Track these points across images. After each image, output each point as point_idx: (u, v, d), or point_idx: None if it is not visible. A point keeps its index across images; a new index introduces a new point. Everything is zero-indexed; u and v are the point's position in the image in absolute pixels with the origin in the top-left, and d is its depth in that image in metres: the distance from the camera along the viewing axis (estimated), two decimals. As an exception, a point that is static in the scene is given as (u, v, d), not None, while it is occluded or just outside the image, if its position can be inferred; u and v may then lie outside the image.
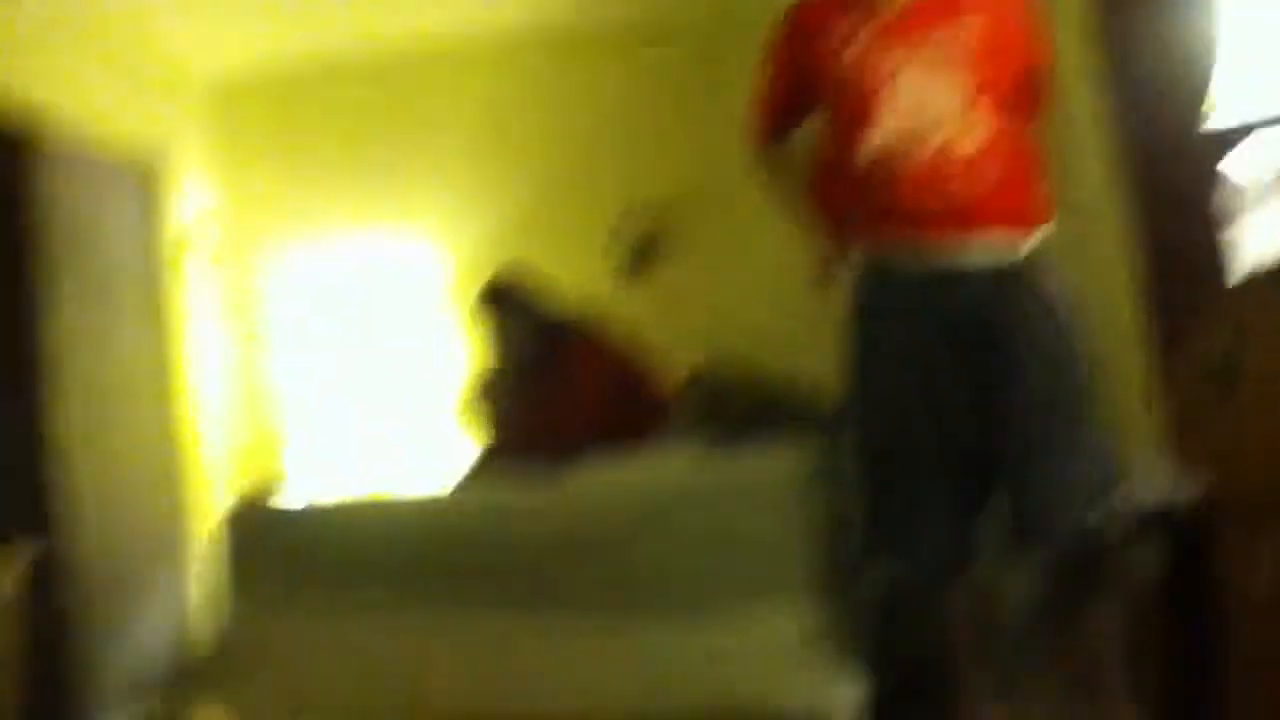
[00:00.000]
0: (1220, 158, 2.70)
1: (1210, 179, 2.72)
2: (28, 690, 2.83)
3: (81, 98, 3.73)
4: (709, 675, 2.29)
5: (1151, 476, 2.30)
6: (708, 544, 2.34)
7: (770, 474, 2.39)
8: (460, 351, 4.04)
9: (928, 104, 2.07)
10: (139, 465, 3.94)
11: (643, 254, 3.98)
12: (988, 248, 2.10)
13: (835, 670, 2.27)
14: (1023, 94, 2.19)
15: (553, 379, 2.97)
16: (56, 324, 3.53)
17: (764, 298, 3.77)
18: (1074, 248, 2.29)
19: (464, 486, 2.93)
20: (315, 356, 4.30)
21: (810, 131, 2.28)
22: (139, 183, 4.05)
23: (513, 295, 3.07)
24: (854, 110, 2.10)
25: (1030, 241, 2.14)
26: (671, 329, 3.60)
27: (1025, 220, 2.15)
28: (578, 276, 3.51)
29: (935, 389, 2.09)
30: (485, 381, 3.24)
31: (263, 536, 2.68)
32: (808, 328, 3.60)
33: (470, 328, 3.49)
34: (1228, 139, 2.70)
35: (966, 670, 2.23)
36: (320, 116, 4.36)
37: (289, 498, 2.82)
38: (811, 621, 2.29)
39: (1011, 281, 2.11)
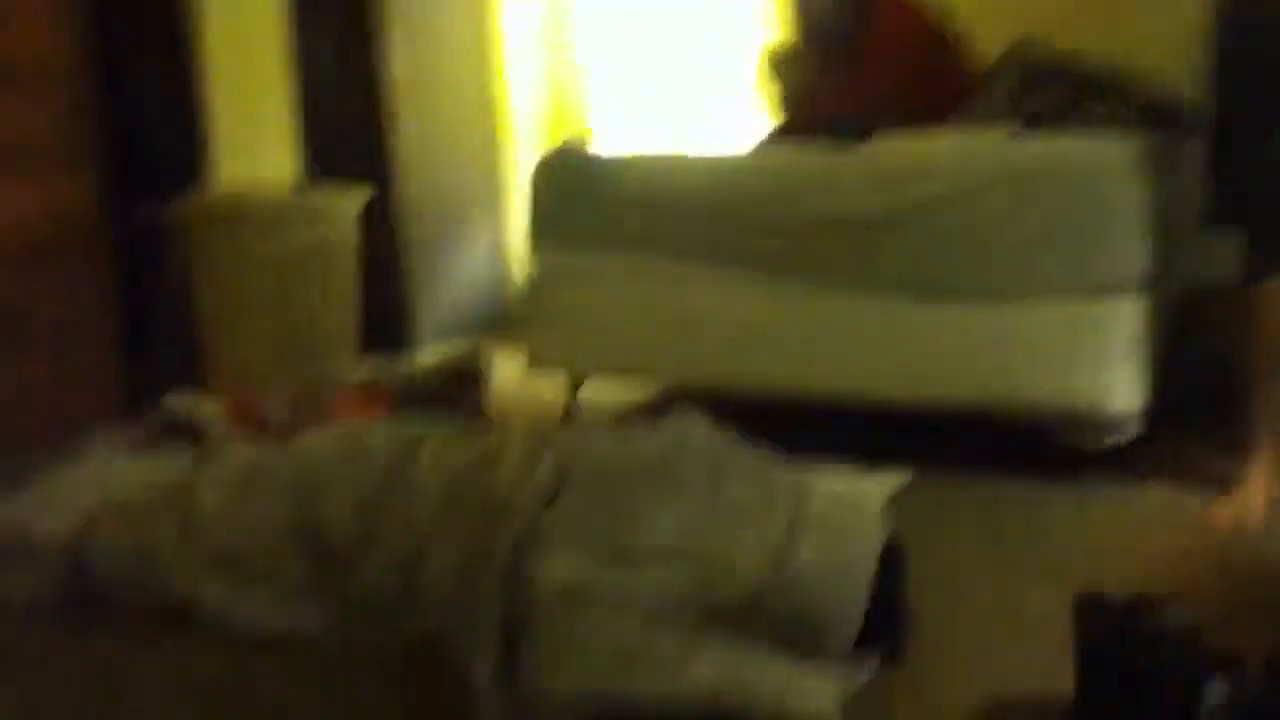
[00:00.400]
0: None
1: None
2: (361, 319, 3.21)
3: None
4: (1000, 364, 2.25)
5: None
6: (1019, 228, 2.21)
7: (1092, 160, 2.19)
8: (764, 13, 3.90)
9: None
10: (460, 117, 4.18)
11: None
12: None
13: (1127, 373, 2.17)
14: None
15: (859, 40, 2.78)
16: None
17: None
18: None
19: (762, 151, 2.87)
20: (621, 19, 4.27)
21: None
22: None
23: None
24: None
25: None
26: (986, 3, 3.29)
27: None
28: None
29: None
30: (782, 52, 3.09)
31: (569, 183, 2.73)
32: (1135, 11, 3.26)
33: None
34: None
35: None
36: None
37: (596, 149, 2.85)
38: (1117, 321, 2.17)
39: None
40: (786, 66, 2.86)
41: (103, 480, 1.93)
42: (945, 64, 2.82)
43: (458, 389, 2.98)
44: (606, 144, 3.29)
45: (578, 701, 1.32)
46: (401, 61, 3.82)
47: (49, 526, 1.76)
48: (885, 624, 1.50)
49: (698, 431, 1.66)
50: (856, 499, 1.60)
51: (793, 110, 2.96)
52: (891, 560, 1.54)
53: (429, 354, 3.55)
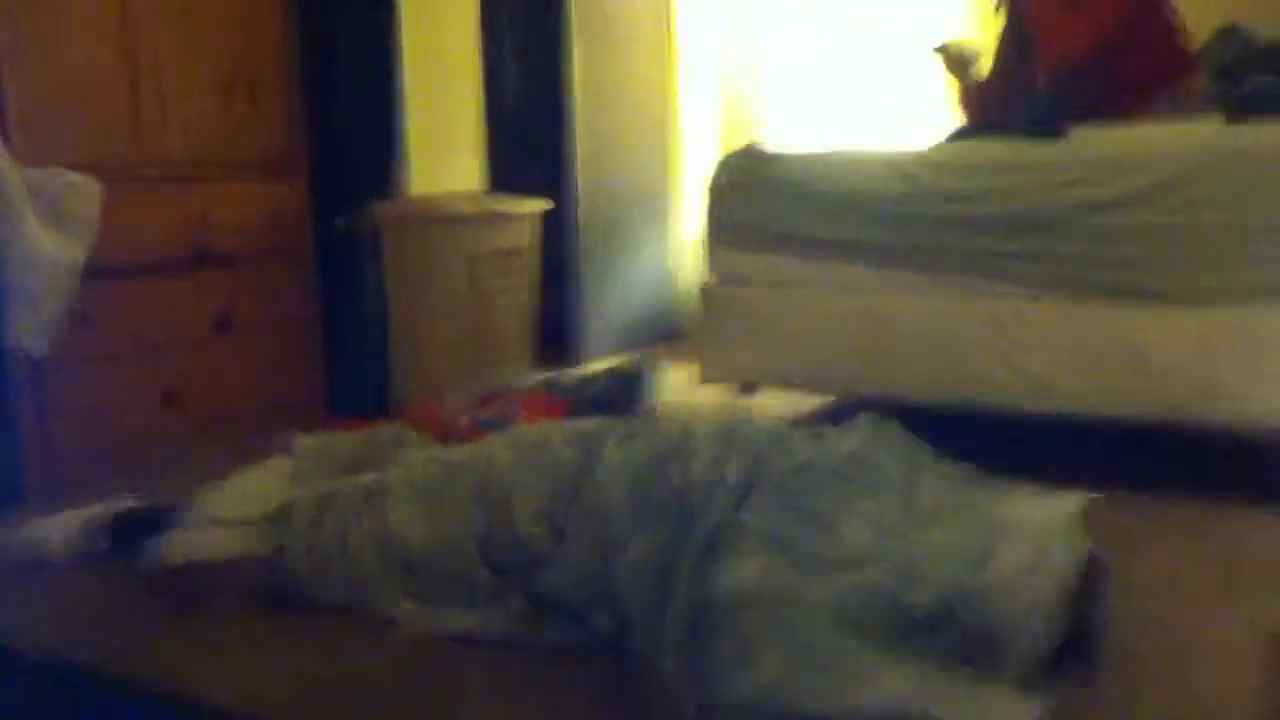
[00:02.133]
0: None
1: None
2: (537, 325, 3.29)
3: None
4: (1211, 374, 2.12)
5: None
6: (1234, 223, 2.07)
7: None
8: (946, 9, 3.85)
9: None
10: (636, 129, 4.25)
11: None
12: None
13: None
14: None
15: (1069, 12, 2.66)
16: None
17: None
18: None
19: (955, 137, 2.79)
20: (801, 13, 4.26)
21: None
22: None
23: None
24: None
25: None
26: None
27: None
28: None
29: None
30: (959, 47, 3.01)
31: (751, 182, 2.70)
32: None
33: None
34: None
35: None
36: None
37: (771, 149, 2.82)
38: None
39: None
40: (959, 64, 2.80)
41: (293, 481, 2.02)
42: (1150, 37, 2.69)
43: (631, 396, 3.02)
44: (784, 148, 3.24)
45: (764, 705, 1.30)
46: (583, 75, 3.91)
47: (241, 530, 1.85)
48: (1081, 644, 1.44)
49: (890, 435, 1.63)
50: (1054, 513, 1.54)
51: (975, 106, 2.88)
52: (1090, 579, 1.48)
53: (599, 364, 3.61)
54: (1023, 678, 1.35)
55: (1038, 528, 1.45)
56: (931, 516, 1.48)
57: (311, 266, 3.01)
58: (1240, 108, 2.31)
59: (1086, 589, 1.44)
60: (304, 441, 2.19)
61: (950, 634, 1.37)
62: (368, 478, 1.92)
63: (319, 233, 3.03)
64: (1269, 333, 2.07)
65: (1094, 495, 2.17)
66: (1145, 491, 2.20)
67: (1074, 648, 1.41)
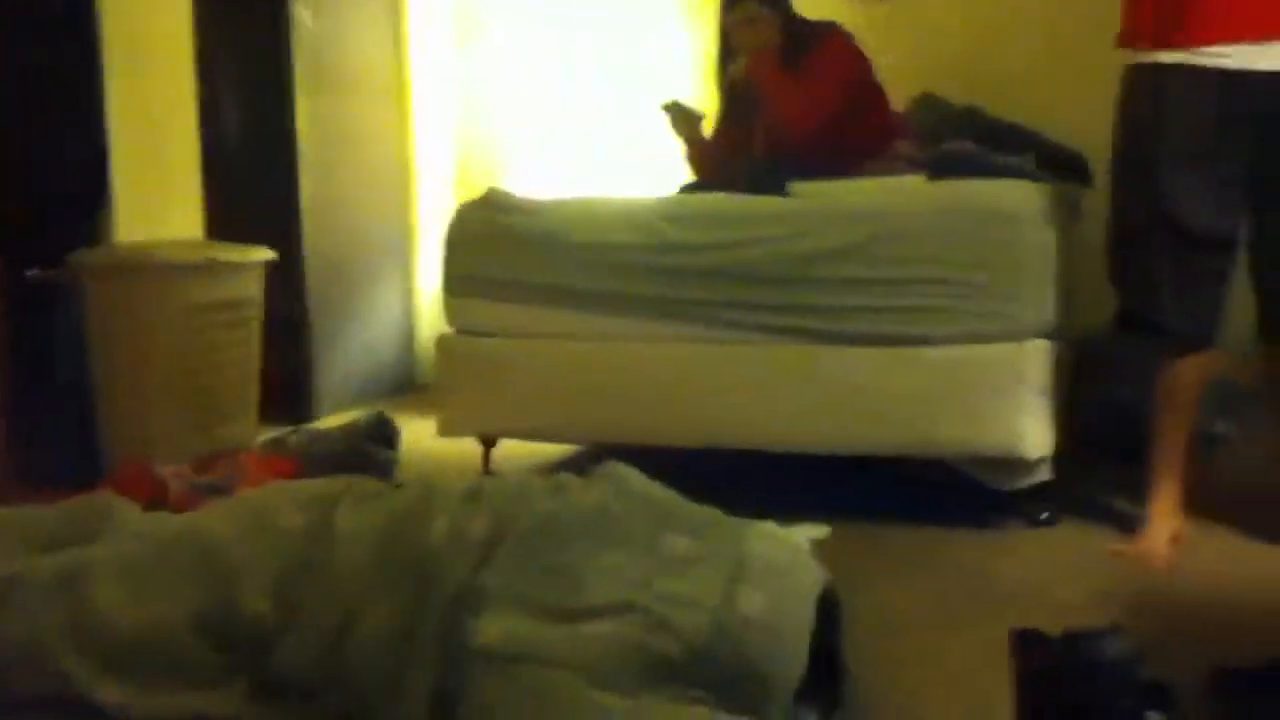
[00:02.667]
0: None
1: None
2: (265, 380, 3.11)
3: None
4: (916, 409, 2.28)
5: None
6: (936, 272, 2.26)
7: (1007, 205, 2.25)
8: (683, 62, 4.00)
9: None
10: (369, 176, 4.14)
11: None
12: None
13: (1037, 417, 2.22)
14: None
15: (804, 62, 2.81)
16: (301, 22, 3.69)
17: (991, 30, 3.56)
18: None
19: (684, 191, 2.88)
20: (536, 64, 4.31)
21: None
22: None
23: None
24: None
25: None
26: (899, 53, 3.44)
27: None
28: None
29: (1210, 172, 2.02)
30: (680, 107, 3.13)
31: (489, 231, 2.69)
32: (1040, 67, 3.44)
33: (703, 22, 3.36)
34: None
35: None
36: None
37: (511, 198, 2.80)
38: (1029, 366, 2.23)
39: None
40: (683, 122, 2.91)
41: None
42: (870, 107, 2.89)
43: (366, 453, 2.91)
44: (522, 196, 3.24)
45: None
46: (310, 121, 3.77)
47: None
48: (825, 676, 1.48)
49: (632, 483, 1.63)
50: (792, 550, 1.59)
51: (702, 162, 2.99)
52: (829, 610, 1.53)
53: (333, 419, 3.46)
54: (776, 713, 1.36)
55: (782, 566, 1.49)
56: (675, 563, 1.49)
57: (3, 318, 2.71)
58: (940, 168, 2.51)
59: (827, 622, 1.48)
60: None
61: (704, 677, 1.37)
62: (65, 557, 1.72)
63: (9, 284, 2.73)
64: (975, 373, 2.24)
65: (825, 527, 2.30)
66: (869, 520, 2.35)
67: (820, 679, 1.45)
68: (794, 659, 1.39)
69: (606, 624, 1.38)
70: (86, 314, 2.76)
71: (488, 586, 1.42)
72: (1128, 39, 2.15)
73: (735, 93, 3.01)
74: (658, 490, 1.64)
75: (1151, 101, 2.07)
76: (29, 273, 2.79)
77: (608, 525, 1.53)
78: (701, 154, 3.12)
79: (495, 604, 1.40)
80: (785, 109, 2.83)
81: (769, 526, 1.63)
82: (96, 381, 2.75)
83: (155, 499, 2.27)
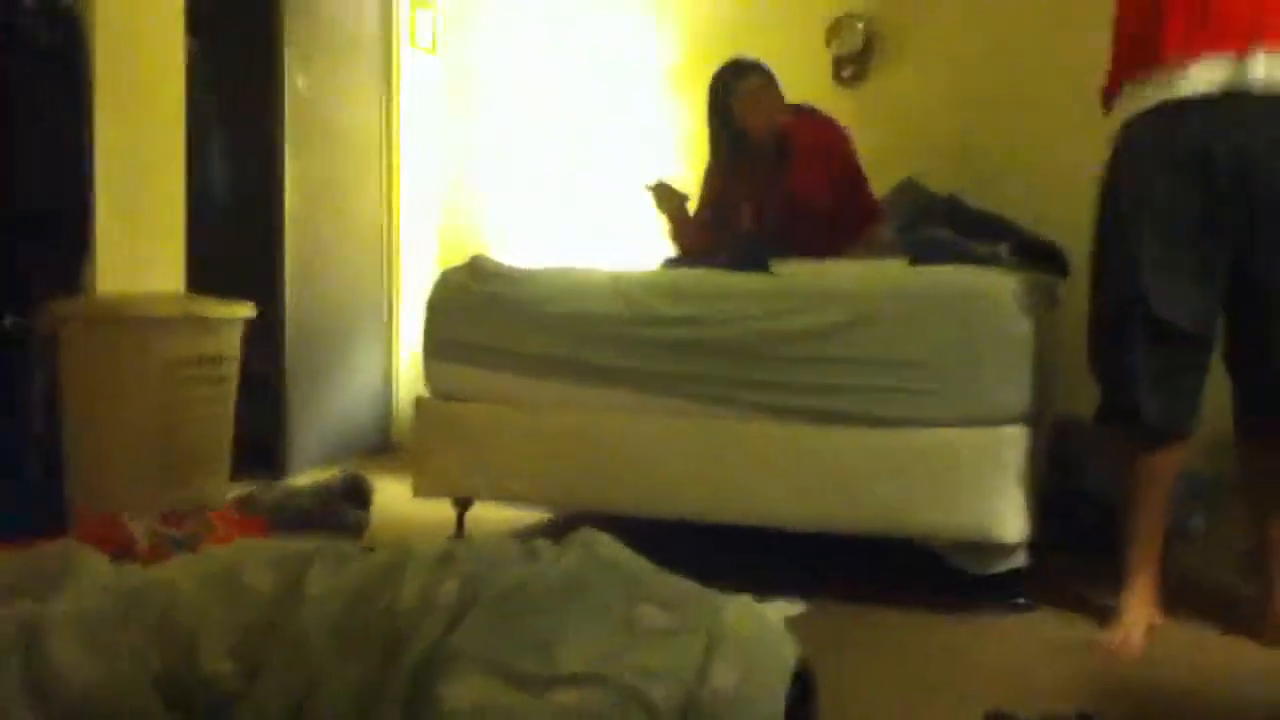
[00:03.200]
0: None
1: None
2: (239, 439, 3.08)
3: None
4: (892, 490, 2.28)
5: None
6: (914, 355, 2.28)
7: (984, 291, 2.28)
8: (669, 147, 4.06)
9: None
10: (351, 237, 4.15)
11: (854, 62, 3.82)
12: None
13: (1013, 501, 2.22)
14: None
15: (784, 158, 2.86)
16: (294, 86, 3.73)
17: (971, 119, 3.64)
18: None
19: (668, 265, 2.91)
20: (524, 135, 4.36)
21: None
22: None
23: (760, 69, 2.99)
24: None
25: None
26: (878, 137, 3.51)
27: None
28: (790, 81, 3.38)
29: (1189, 265, 2.06)
30: (664, 187, 3.17)
31: (472, 296, 2.70)
32: (1019, 155, 3.52)
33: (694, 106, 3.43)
34: None
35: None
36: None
37: (495, 265, 2.81)
38: (1005, 450, 2.23)
39: None
40: (666, 200, 2.94)
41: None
42: (855, 188, 2.94)
43: (338, 512, 2.87)
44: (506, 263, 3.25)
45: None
46: (297, 180, 3.79)
47: None
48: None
49: (606, 550, 1.62)
50: (767, 625, 1.58)
51: (685, 239, 3.02)
52: (802, 686, 1.51)
53: (306, 477, 3.43)
54: None
55: (756, 639, 1.47)
56: (648, 635, 1.47)
57: (-28, 367, 2.67)
58: (922, 253, 2.55)
59: (800, 696, 1.46)
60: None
61: None
62: (24, 609, 1.68)
63: (-14, 330, 2.71)
64: (953, 456, 2.24)
65: (799, 604, 2.29)
66: (846, 599, 2.34)
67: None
68: None
69: (576, 694, 1.35)
70: (62, 363, 2.73)
71: (457, 649, 1.39)
72: (1105, 97, 2.22)
73: (720, 175, 3.05)
74: (632, 558, 1.62)
75: (1131, 178, 2.10)
76: (4, 319, 2.76)
77: (580, 593, 1.51)
78: (684, 231, 3.16)
79: (464, 669, 1.37)
80: (802, 178, 2.87)
81: (744, 600, 1.62)
82: (68, 431, 2.71)
83: (122, 550, 2.23)
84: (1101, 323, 2.17)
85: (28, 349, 2.76)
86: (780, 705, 1.41)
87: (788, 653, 1.51)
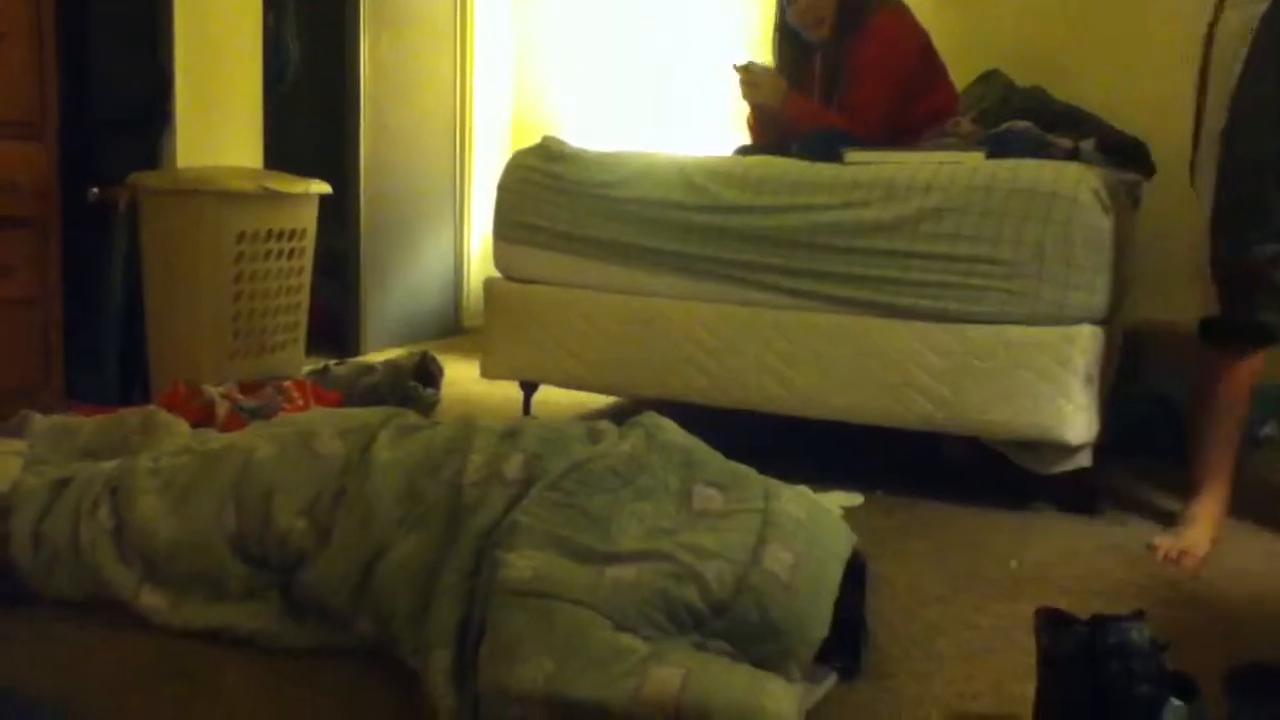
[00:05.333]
0: None
1: None
2: (315, 317, 3.15)
3: None
4: (958, 386, 2.26)
5: None
6: (988, 250, 2.22)
7: (1065, 187, 2.21)
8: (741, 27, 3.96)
9: None
10: (425, 119, 4.16)
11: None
12: None
13: (1081, 403, 2.20)
14: None
15: (853, 48, 2.77)
16: None
17: (1063, 9, 3.49)
18: None
19: (739, 153, 2.85)
20: (597, 17, 4.28)
21: None
22: None
23: None
24: None
25: None
26: (963, 29, 3.38)
27: None
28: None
29: None
30: (753, 68, 3.09)
31: (542, 180, 2.68)
32: (1111, 50, 3.37)
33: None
34: None
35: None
36: None
37: (566, 147, 2.78)
38: (1077, 351, 2.20)
39: None
40: (756, 84, 2.86)
41: (26, 466, 1.84)
42: (929, 83, 2.84)
43: (408, 390, 2.94)
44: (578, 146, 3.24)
45: (536, 701, 1.28)
46: (371, 60, 3.79)
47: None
48: (847, 638, 1.49)
49: (667, 433, 1.64)
50: (822, 512, 1.60)
51: (761, 128, 2.96)
52: (855, 575, 1.53)
53: (378, 356, 3.50)
54: (795, 671, 1.38)
55: (811, 527, 1.50)
56: (704, 516, 1.50)
57: (56, 239, 2.75)
58: (999, 146, 2.47)
59: (852, 586, 1.49)
60: (41, 423, 2.00)
61: (725, 631, 1.38)
62: (109, 465, 1.77)
63: (69, 202, 2.78)
64: (1020, 355, 2.21)
65: (858, 495, 2.31)
66: (903, 494, 2.35)
67: (842, 641, 1.46)
68: (817, 619, 1.40)
69: (633, 569, 1.39)
70: (143, 236, 2.80)
71: (519, 524, 1.44)
72: None
73: (797, 62, 2.96)
74: (692, 443, 1.65)
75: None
76: (90, 191, 2.84)
77: (640, 474, 1.54)
78: (761, 119, 3.09)
79: (525, 542, 1.42)
80: (858, 96, 2.77)
81: (800, 488, 1.64)
82: (149, 303, 2.80)
83: (202, 419, 2.32)
84: (1231, 217, 2.06)
85: (112, 222, 2.83)
86: (832, 591, 1.44)
87: (841, 541, 1.53)
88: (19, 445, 1.91)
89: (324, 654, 1.53)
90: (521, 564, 1.39)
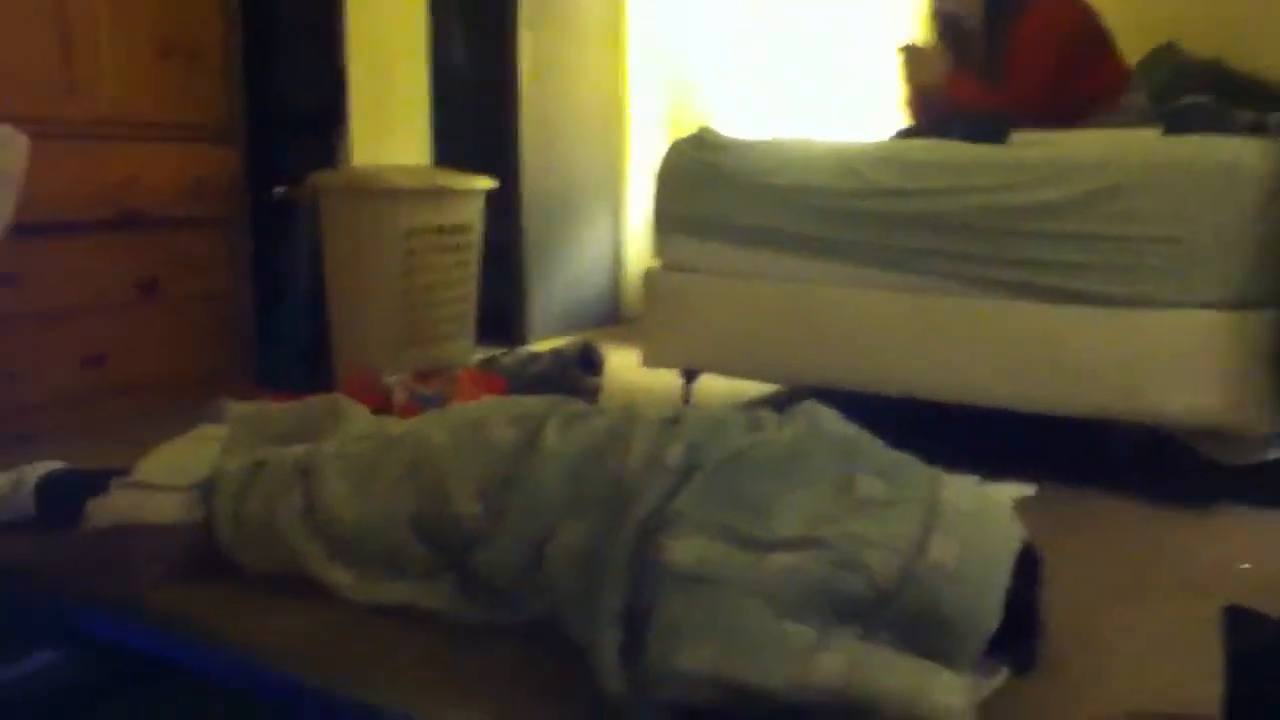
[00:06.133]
0: None
1: None
2: (482, 308, 3.26)
3: None
4: (1136, 373, 2.18)
5: None
6: (1162, 231, 2.13)
7: (1245, 165, 2.10)
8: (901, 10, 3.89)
9: None
10: (584, 111, 4.24)
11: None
12: None
13: (1266, 389, 2.08)
14: None
15: (1007, 36, 2.70)
16: None
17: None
18: None
19: (899, 137, 2.81)
20: (755, 10, 4.28)
21: None
22: None
23: None
24: None
25: None
26: (1134, 4, 3.23)
27: None
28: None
29: None
30: (915, 50, 3.03)
31: (701, 168, 2.70)
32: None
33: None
34: None
35: None
36: None
37: (722, 137, 2.80)
38: (1258, 335, 2.08)
39: None
40: (919, 65, 2.81)
41: (225, 449, 1.97)
42: (1096, 59, 2.73)
43: (572, 377, 3.01)
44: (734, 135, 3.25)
45: (701, 683, 1.30)
46: (531, 55, 3.88)
47: (172, 496, 1.81)
48: (1019, 632, 1.46)
49: (828, 421, 1.64)
50: (989, 502, 1.56)
51: (922, 110, 2.91)
52: (1027, 567, 1.50)
53: (543, 345, 3.60)
54: (963, 664, 1.36)
55: (979, 516, 1.47)
56: (867, 505, 1.49)
57: (245, 234, 2.94)
58: (1177, 122, 2.36)
59: (1024, 578, 1.46)
60: (238, 409, 2.14)
61: (889, 621, 1.37)
62: (300, 450, 1.88)
63: (255, 200, 2.96)
64: (1197, 338, 2.12)
65: (1031, 486, 2.24)
66: (1074, 485, 2.27)
67: (1014, 636, 1.43)
68: (986, 611, 1.37)
69: (795, 557, 1.40)
70: (323, 231, 2.96)
71: (680, 512, 1.46)
72: None
73: (960, 43, 2.89)
74: (853, 431, 1.64)
75: None
76: (274, 190, 3.02)
77: (801, 461, 1.54)
78: (926, 100, 3.03)
79: (688, 529, 1.43)
80: (1016, 79, 2.69)
81: (965, 478, 1.61)
82: (330, 295, 2.96)
83: (381, 405, 2.44)
84: None
85: (295, 219, 3.00)
86: (1002, 583, 1.40)
87: (1011, 532, 1.49)
88: (218, 431, 2.05)
89: (502, 630, 1.59)
90: (684, 550, 1.41)
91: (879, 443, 1.63)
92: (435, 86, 3.48)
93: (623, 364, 3.32)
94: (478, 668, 1.49)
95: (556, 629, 1.55)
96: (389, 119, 3.28)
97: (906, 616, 1.37)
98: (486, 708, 1.37)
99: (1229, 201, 2.08)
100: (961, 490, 1.52)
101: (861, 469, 1.54)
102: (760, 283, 2.62)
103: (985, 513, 1.50)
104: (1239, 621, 1.29)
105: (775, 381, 2.99)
